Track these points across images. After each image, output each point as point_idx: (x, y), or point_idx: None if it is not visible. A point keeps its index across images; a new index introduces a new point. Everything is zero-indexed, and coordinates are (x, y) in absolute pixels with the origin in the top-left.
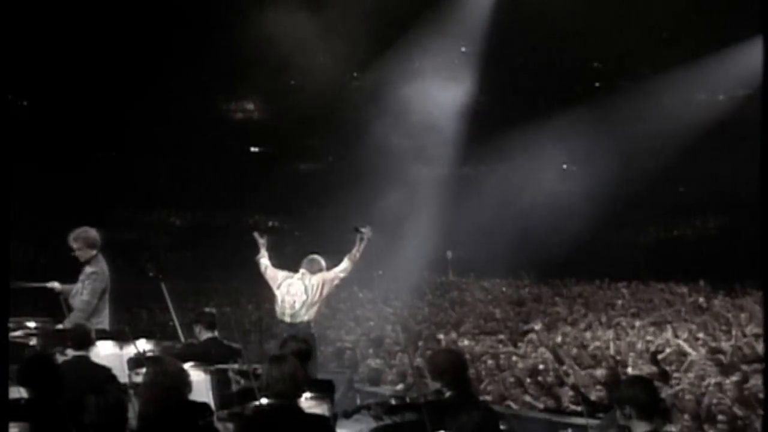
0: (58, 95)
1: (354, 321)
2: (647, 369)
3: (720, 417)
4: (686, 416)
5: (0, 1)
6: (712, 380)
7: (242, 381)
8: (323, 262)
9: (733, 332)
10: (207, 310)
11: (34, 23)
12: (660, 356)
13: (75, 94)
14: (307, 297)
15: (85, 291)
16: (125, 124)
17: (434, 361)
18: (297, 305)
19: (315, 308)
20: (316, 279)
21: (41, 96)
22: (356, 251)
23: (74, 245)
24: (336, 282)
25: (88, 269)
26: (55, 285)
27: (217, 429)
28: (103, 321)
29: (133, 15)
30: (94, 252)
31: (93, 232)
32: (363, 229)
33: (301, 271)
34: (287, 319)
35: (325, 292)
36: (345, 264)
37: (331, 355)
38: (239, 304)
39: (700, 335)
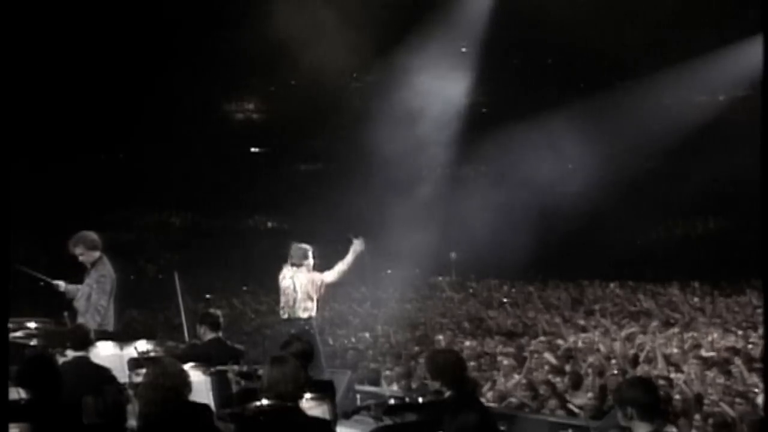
0: (58, 96)
1: (353, 321)
2: (644, 370)
3: (714, 417)
4: (696, 417)
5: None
6: (710, 380)
7: (242, 382)
8: (309, 250)
9: (733, 332)
10: (211, 310)
11: (35, 25)
12: (655, 356)
13: (76, 95)
14: (297, 294)
15: (94, 295)
16: (125, 126)
17: (433, 361)
18: (290, 302)
19: (308, 305)
20: (305, 278)
21: (42, 96)
22: (346, 262)
23: (76, 251)
24: (322, 288)
25: (94, 273)
26: (60, 284)
27: (217, 428)
28: (109, 322)
29: (133, 16)
30: (97, 254)
31: (92, 235)
32: (355, 240)
33: (293, 268)
34: (285, 316)
35: (313, 294)
36: (333, 273)
37: (330, 355)
38: (238, 304)
39: (700, 335)
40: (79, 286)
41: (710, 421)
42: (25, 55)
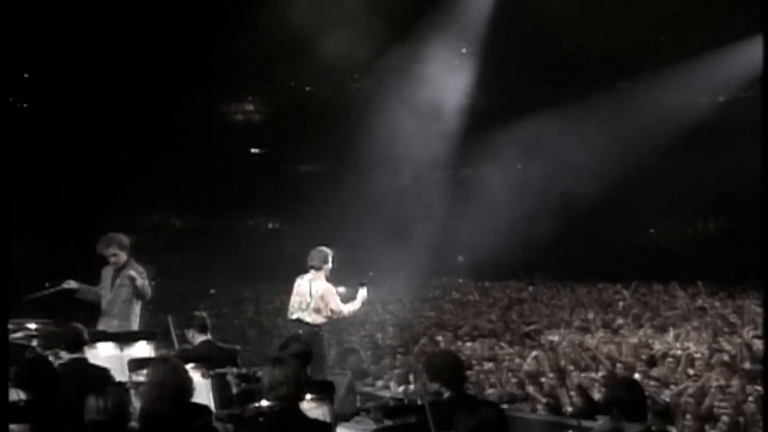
0: (59, 96)
1: (355, 323)
2: (647, 371)
3: (721, 418)
4: (688, 417)
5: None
6: (713, 381)
7: (242, 384)
8: (330, 254)
9: (734, 333)
10: (197, 313)
11: (35, 27)
12: (658, 357)
13: (76, 96)
14: (311, 300)
15: (139, 282)
16: (125, 126)
17: (431, 362)
18: (303, 305)
19: (319, 314)
20: (321, 288)
21: (42, 97)
22: (356, 306)
23: (108, 251)
24: (332, 315)
25: (131, 272)
26: (71, 282)
27: (216, 429)
28: (136, 322)
29: (133, 16)
30: (126, 256)
31: (124, 237)
32: (362, 287)
33: (312, 272)
34: (294, 317)
35: (322, 307)
36: (347, 309)
37: (331, 356)
38: (239, 306)
39: (700, 337)
40: (93, 288)
41: (712, 421)
42: (26, 57)
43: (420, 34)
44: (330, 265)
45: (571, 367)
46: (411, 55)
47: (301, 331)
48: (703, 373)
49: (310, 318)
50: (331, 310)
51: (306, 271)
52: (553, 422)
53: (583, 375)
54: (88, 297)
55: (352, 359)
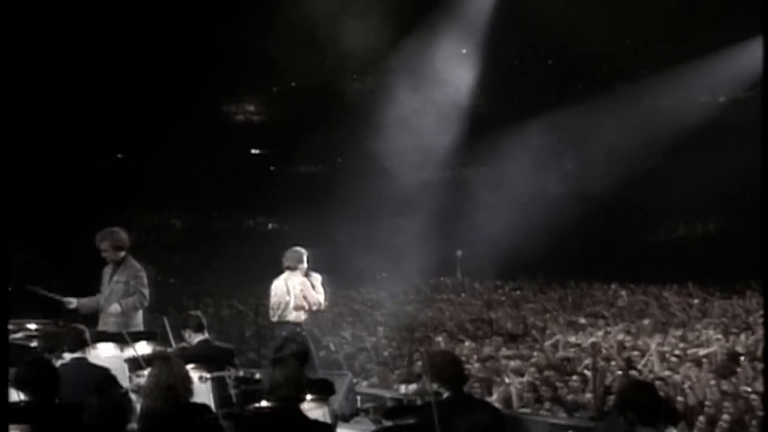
0: (58, 96)
1: (354, 323)
2: (643, 371)
3: (712, 417)
4: (701, 419)
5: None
6: (709, 382)
7: (242, 386)
8: (304, 254)
9: (733, 334)
10: (193, 312)
11: (37, 26)
12: (659, 357)
13: (76, 97)
14: (290, 297)
15: (134, 289)
16: (126, 127)
17: (430, 362)
18: (282, 305)
19: (300, 311)
20: (298, 284)
21: (42, 97)
22: (321, 293)
23: (101, 246)
24: (312, 307)
25: (125, 271)
26: (72, 300)
27: (221, 427)
28: (138, 323)
29: (133, 17)
30: (122, 254)
31: (121, 234)
32: (311, 277)
33: (287, 272)
34: (275, 319)
35: (302, 303)
36: (319, 301)
37: (331, 357)
38: (239, 306)
39: (700, 337)
40: (94, 297)
41: (712, 422)
42: (27, 56)
43: (420, 34)
44: (305, 264)
45: (575, 368)
46: (411, 56)
47: (284, 333)
48: (699, 372)
49: (291, 316)
50: (310, 303)
51: (281, 272)
52: (553, 423)
53: (586, 375)
54: (91, 308)
55: (352, 360)
